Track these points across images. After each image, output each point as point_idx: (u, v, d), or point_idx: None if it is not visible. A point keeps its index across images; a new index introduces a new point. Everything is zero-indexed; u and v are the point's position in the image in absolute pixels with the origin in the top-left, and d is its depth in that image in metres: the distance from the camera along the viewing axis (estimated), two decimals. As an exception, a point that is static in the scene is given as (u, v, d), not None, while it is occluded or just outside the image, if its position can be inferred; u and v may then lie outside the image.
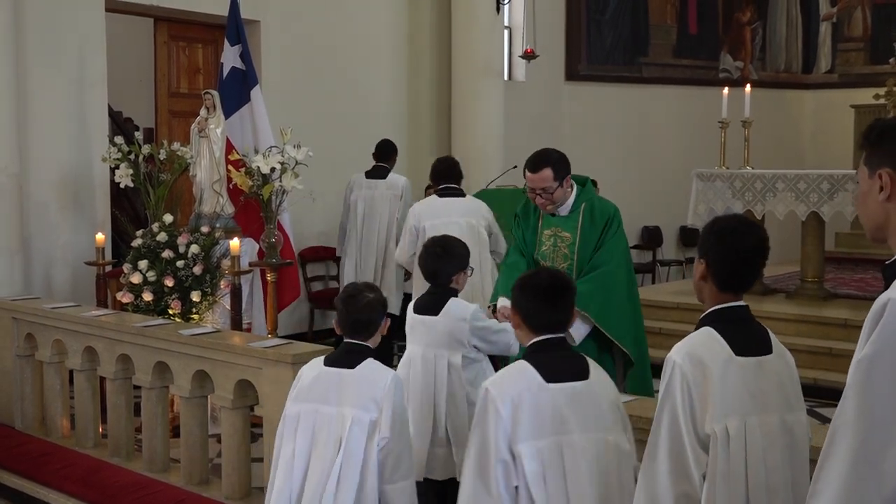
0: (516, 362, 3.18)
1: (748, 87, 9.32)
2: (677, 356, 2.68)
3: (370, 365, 3.59)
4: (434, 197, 7.18)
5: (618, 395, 3.20)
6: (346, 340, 3.65)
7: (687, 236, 13.86)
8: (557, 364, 3.07)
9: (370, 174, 8.54)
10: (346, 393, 3.53)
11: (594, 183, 10.75)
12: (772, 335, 2.83)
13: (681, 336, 2.86)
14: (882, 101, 11.04)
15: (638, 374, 4.78)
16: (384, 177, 8.45)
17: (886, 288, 2.13)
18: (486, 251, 6.88)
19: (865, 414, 2.00)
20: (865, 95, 11.76)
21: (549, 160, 4.58)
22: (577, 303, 4.55)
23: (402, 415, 3.59)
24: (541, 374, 3.02)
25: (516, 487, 2.98)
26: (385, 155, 8.58)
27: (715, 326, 2.75)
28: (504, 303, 4.39)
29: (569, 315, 3.19)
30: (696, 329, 2.83)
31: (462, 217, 6.87)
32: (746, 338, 2.74)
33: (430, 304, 4.40)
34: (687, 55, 14.30)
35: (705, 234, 2.88)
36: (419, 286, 6.85)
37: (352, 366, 3.57)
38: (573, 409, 3.01)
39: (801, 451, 2.75)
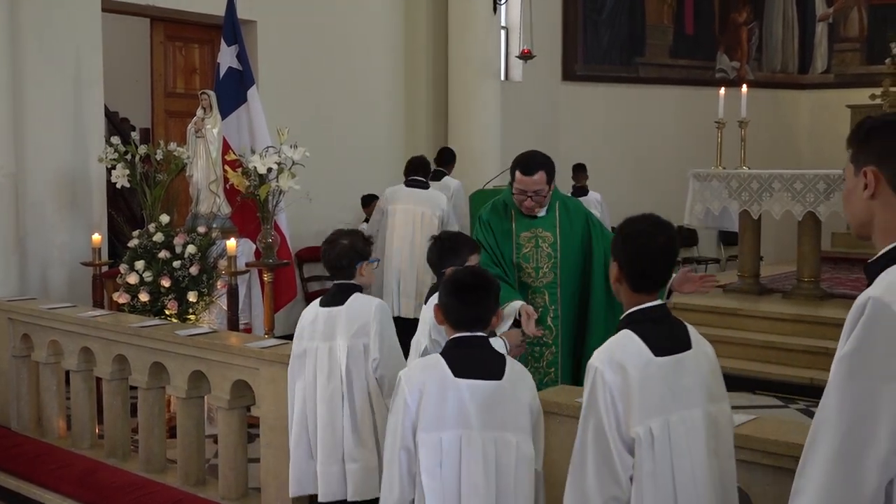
0: (432, 355, 3.29)
1: (744, 88, 9.33)
2: (598, 362, 2.69)
3: (357, 298, 4.05)
4: (402, 186, 8.41)
5: (535, 399, 3.23)
6: (334, 282, 4.11)
7: (683, 236, 13.87)
8: (470, 361, 3.13)
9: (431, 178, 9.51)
10: (339, 326, 3.99)
11: (583, 168, 10.85)
12: (690, 329, 2.86)
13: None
14: (878, 101, 11.06)
15: None
16: (440, 179, 9.26)
17: (869, 286, 2.15)
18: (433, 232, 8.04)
19: (846, 411, 2.03)
20: (861, 95, 11.77)
21: (542, 163, 4.61)
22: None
23: (389, 338, 4.04)
24: (451, 368, 3.09)
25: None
26: (443, 161, 9.70)
27: (633, 328, 2.77)
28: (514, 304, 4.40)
29: (484, 313, 3.20)
30: (616, 331, 2.84)
31: (419, 206, 8.19)
32: (664, 337, 2.77)
33: (430, 293, 4.46)
34: (683, 55, 14.31)
35: (615, 236, 2.93)
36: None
37: (341, 302, 4.04)
38: (478, 406, 3.08)
39: (726, 440, 2.81)
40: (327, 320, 4.04)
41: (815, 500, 2.05)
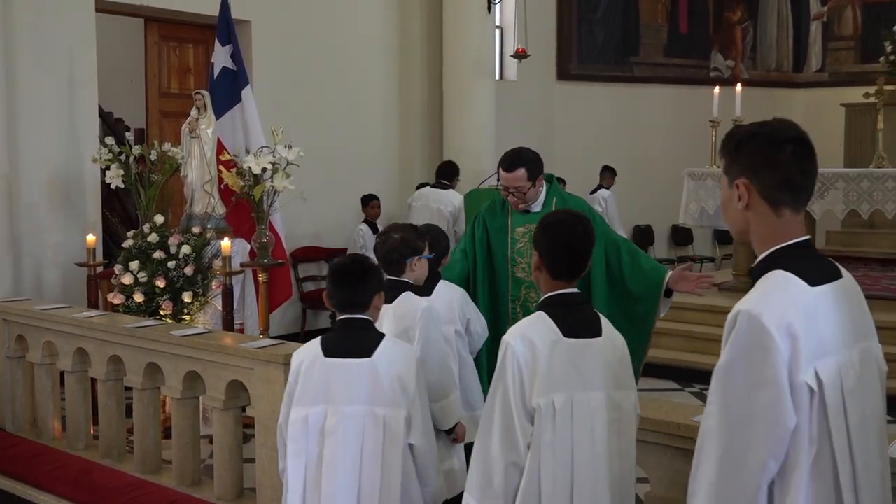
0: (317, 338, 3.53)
1: (739, 86, 9.34)
2: (510, 338, 2.90)
3: (406, 298, 3.94)
4: (428, 187, 9.89)
5: (411, 374, 3.40)
6: (386, 278, 3.97)
7: (678, 235, 13.90)
8: (341, 341, 3.40)
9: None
10: (385, 325, 3.85)
11: (562, 181, 11.11)
12: (604, 321, 3.05)
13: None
14: (872, 99, 11.06)
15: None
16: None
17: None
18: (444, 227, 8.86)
19: (726, 419, 2.16)
20: (856, 94, 11.76)
21: (523, 160, 4.65)
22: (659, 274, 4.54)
23: (434, 341, 3.94)
24: (322, 347, 3.40)
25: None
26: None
27: (547, 311, 2.98)
28: None
29: (361, 297, 3.43)
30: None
31: (434, 202, 9.57)
32: (576, 322, 2.97)
33: None
34: (678, 54, 14.32)
35: (537, 228, 3.13)
36: None
37: (390, 301, 3.92)
38: (342, 383, 3.34)
39: (629, 425, 2.98)
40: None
41: (707, 501, 2.19)
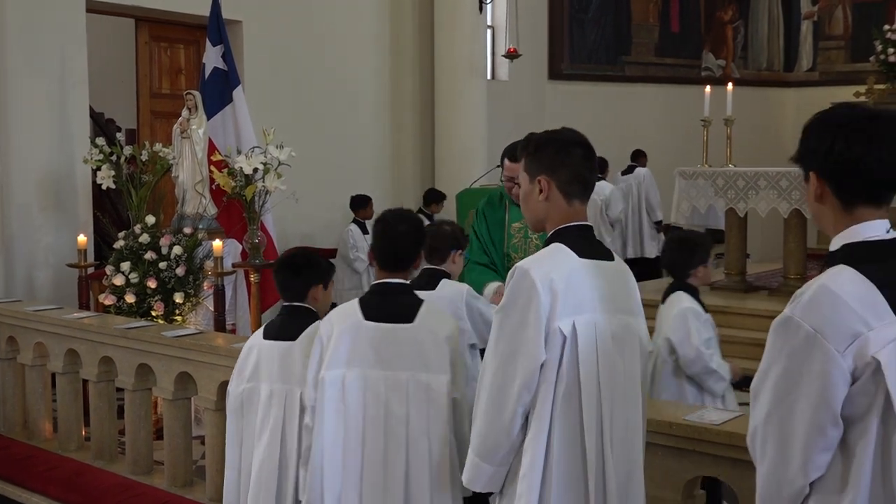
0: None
1: (730, 86, 9.35)
2: (324, 319, 3.40)
3: (447, 284, 4.20)
4: None
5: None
6: (423, 267, 4.22)
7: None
8: (279, 325, 3.77)
9: None
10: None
11: (605, 165, 11.39)
12: (427, 309, 3.36)
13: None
14: (863, 98, 11.11)
15: None
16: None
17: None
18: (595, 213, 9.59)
19: (497, 354, 2.62)
20: (847, 93, 11.80)
21: None
22: None
23: (483, 315, 4.21)
24: (264, 331, 3.79)
25: None
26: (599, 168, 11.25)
27: (361, 297, 3.38)
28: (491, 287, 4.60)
29: (298, 286, 3.76)
30: None
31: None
32: (386, 308, 3.32)
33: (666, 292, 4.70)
34: (669, 54, 14.35)
35: (373, 223, 3.53)
36: None
37: (433, 287, 4.15)
38: (272, 363, 3.70)
39: (438, 404, 3.27)
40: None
41: (480, 425, 2.64)
